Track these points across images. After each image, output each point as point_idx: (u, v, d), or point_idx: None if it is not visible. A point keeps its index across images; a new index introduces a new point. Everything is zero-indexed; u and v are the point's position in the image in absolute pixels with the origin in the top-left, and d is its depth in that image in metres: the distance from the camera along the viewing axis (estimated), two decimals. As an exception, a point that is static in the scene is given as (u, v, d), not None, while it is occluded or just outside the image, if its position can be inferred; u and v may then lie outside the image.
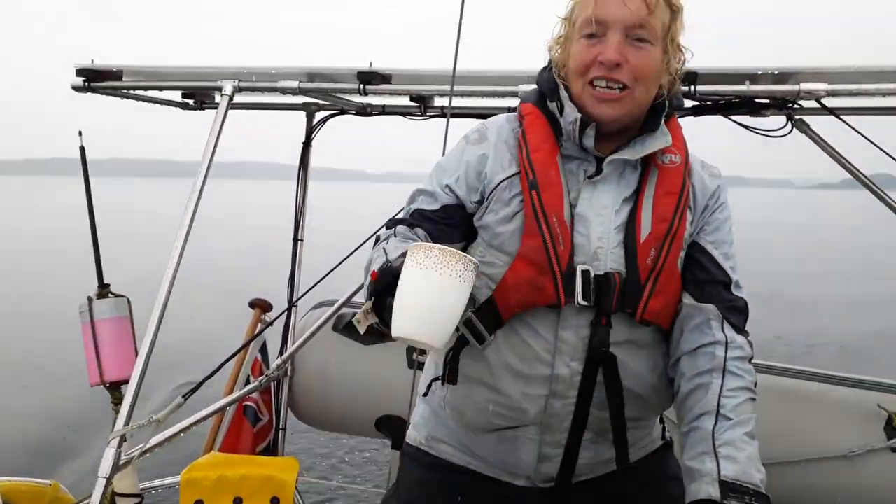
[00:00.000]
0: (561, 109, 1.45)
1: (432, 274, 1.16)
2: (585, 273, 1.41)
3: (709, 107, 2.39)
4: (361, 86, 2.29)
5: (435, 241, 1.34)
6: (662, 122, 1.46)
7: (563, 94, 1.45)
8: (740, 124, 2.44)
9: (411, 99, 2.59)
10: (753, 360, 1.48)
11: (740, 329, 1.46)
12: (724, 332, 1.43)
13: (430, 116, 2.71)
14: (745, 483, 1.33)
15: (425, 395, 1.64)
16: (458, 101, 2.47)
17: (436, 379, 1.59)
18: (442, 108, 2.70)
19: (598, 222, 1.44)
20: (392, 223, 1.50)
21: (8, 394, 7.22)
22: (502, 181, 1.47)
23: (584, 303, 1.40)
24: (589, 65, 1.39)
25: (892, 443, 2.61)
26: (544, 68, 1.54)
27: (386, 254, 1.32)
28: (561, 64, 1.48)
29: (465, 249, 1.50)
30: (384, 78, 2.29)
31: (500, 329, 1.46)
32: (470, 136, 1.55)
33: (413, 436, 1.68)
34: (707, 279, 1.48)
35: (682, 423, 1.46)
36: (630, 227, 1.44)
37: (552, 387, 1.44)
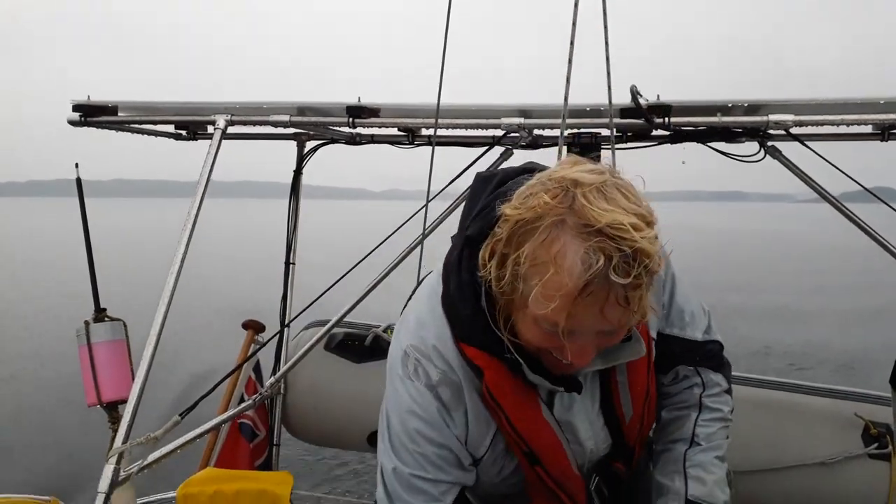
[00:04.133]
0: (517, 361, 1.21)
1: None
2: (598, 488, 1.47)
3: (686, 134, 2.48)
4: (351, 119, 2.38)
5: None
6: (634, 328, 1.21)
7: (526, 369, 1.21)
8: (716, 150, 2.54)
9: (399, 129, 2.68)
10: (736, 373, 1.58)
11: (716, 366, 1.53)
12: (700, 375, 1.51)
13: (418, 145, 2.79)
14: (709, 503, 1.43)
15: None
16: (444, 132, 2.57)
17: None
18: (429, 137, 2.78)
19: (584, 427, 1.38)
20: None
21: (9, 412, 7.27)
22: (487, 450, 1.32)
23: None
24: (545, 350, 1.16)
25: (869, 450, 2.71)
26: (459, 286, 1.22)
27: None
28: (499, 294, 1.14)
29: None
30: (372, 112, 2.39)
31: None
32: (443, 395, 1.26)
33: None
34: (678, 354, 1.49)
35: (657, 444, 1.55)
36: (611, 414, 1.39)
37: None
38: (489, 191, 1.24)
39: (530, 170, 1.19)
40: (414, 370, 1.26)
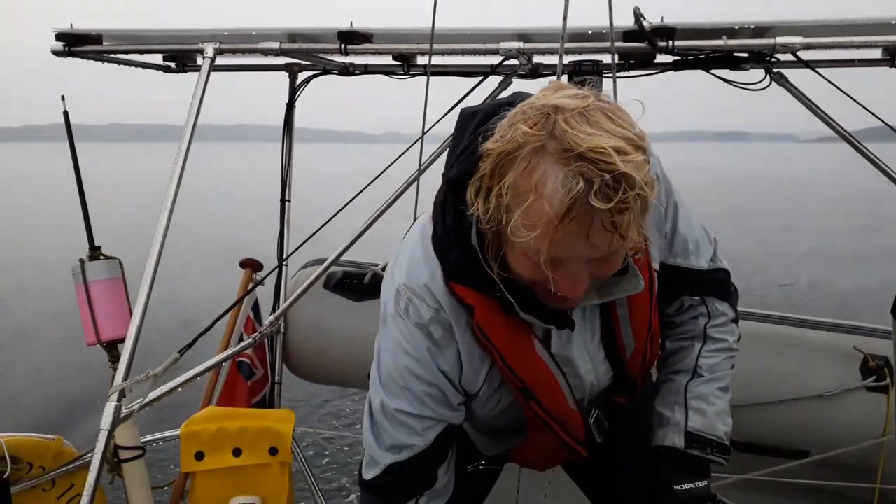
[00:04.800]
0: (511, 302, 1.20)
1: None
2: (597, 419, 1.45)
3: (689, 62, 2.41)
4: (343, 45, 2.29)
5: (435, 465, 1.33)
6: (631, 262, 1.20)
7: (517, 307, 1.20)
8: (720, 78, 2.47)
9: (394, 58, 2.59)
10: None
11: (723, 295, 1.50)
12: (706, 305, 1.49)
13: (414, 75, 2.71)
14: (708, 435, 1.43)
15: None
16: (440, 60, 2.49)
17: None
18: (424, 66, 2.69)
19: (583, 362, 1.37)
20: (389, 470, 1.32)
21: (12, 356, 7.34)
22: (482, 386, 1.34)
23: (601, 440, 1.47)
24: (539, 282, 1.12)
25: (867, 382, 2.72)
26: (445, 230, 1.22)
27: None
28: (488, 230, 1.12)
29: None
30: (365, 37, 2.30)
31: None
32: (433, 332, 1.26)
33: None
34: (683, 285, 1.47)
35: (659, 374, 1.55)
36: (613, 348, 1.38)
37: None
38: (472, 129, 1.19)
39: (513, 102, 1.14)
40: (405, 309, 1.26)
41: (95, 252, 2.42)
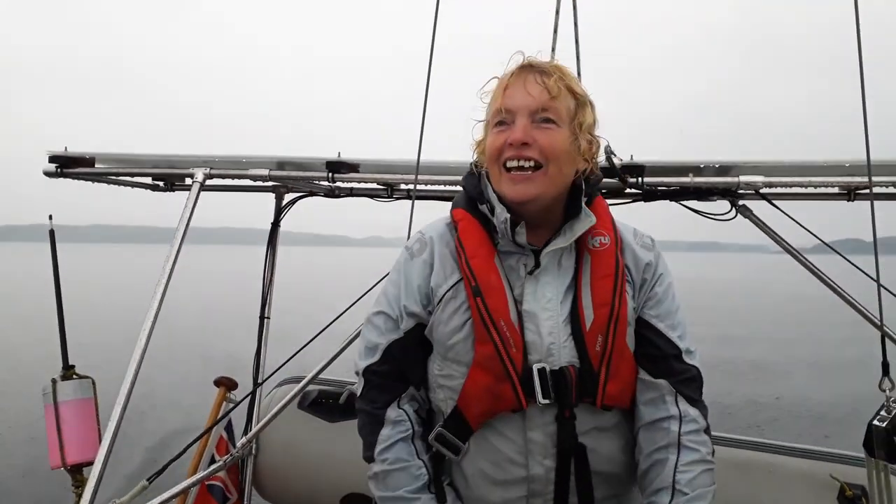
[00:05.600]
0: (492, 211, 1.52)
1: None
2: (542, 371, 1.45)
3: (659, 193, 2.53)
4: (330, 174, 2.39)
5: (403, 371, 1.55)
6: (584, 205, 1.52)
7: (491, 194, 1.52)
8: (689, 208, 2.59)
9: (378, 183, 2.69)
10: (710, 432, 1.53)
11: (694, 400, 1.52)
12: (677, 406, 1.50)
13: (397, 198, 2.80)
14: None
15: None
16: (423, 186, 2.58)
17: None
18: (408, 191, 2.79)
19: (547, 317, 1.48)
20: (366, 373, 1.57)
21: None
22: (447, 292, 1.52)
23: (545, 402, 1.44)
24: (501, 148, 1.48)
25: None
26: (469, 173, 1.63)
27: None
28: (483, 163, 1.57)
29: (425, 362, 1.58)
30: (352, 167, 2.40)
31: (471, 437, 1.50)
32: (412, 248, 1.61)
33: None
34: (658, 354, 1.53)
35: (643, 496, 1.52)
36: (575, 316, 1.48)
37: (530, 487, 1.48)
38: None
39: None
40: (407, 245, 1.63)
41: (69, 371, 2.39)
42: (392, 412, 1.54)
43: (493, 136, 1.50)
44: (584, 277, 1.51)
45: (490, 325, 1.45)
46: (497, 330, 1.45)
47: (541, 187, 1.46)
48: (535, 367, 1.46)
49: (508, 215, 1.48)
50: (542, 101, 1.45)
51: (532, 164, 1.45)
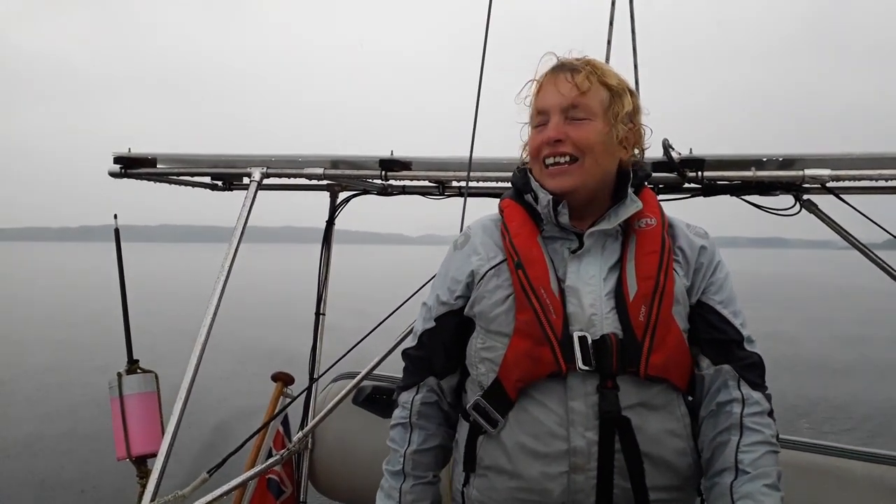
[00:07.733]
0: (536, 199, 1.58)
1: None
2: (582, 338, 1.45)
3: (719, 187, 2.46)
4: (383, 172, 2.41)
5: (431, 360, 1.65)
6: (630, 190, 1.57)
7: (535, 184, 1.59)
8: (751, 203, 2.50)
9: (430, 181, 2.70)
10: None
11: (757, 385, 1.50)
12: (740, 389, 1.48)
13: (448, 196, 2.81)
14: None
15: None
16: (475, 182, 2.58)
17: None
18: (460, 188, 2.79)
19: (588, 291, 1.50)
20: (402, 355, 1.73)
21: (37, 460, 7.27)
22: (489, 270, 1.58)
23: (585, 367, 1.42)
24: (539, 147, 1.56)
25: None
26: (518, 168, 1.70)
27: None
28: (527, 154, 1.64)
29: (463, 343, 1.62)
30: (404, 165, 2.42)
31: (510, 410, 1.49)
32: (457, 242, 1.71)
33: None
34: (720, 338, 1.52)
35: (705, 478, 1.49)
36: (619, 290, 1.50)
37: (571, 461, 1.43)
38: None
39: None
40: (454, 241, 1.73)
41: (133, 366, 2.47)
42: (404, 396, 1.67)
43: (532, 136, 1.59)
44: (630, 254, 1.54)
45: (531, 293, 1.49)
46: (538, 298, 1.48)
47: (578, 178, 1.52)
48: (577, 335, 1.46)
49: (551, 196, 1.54)
50: (571, 98, 1.51)
51: (567, 158, 1.51)
